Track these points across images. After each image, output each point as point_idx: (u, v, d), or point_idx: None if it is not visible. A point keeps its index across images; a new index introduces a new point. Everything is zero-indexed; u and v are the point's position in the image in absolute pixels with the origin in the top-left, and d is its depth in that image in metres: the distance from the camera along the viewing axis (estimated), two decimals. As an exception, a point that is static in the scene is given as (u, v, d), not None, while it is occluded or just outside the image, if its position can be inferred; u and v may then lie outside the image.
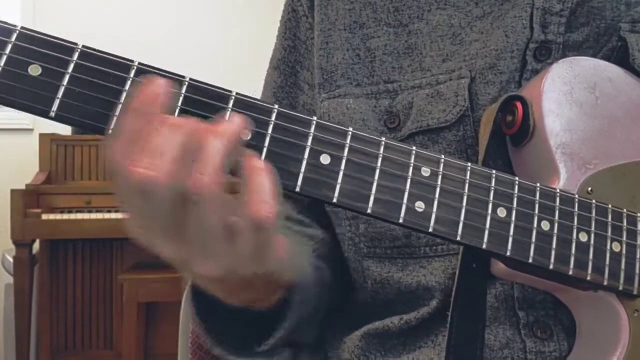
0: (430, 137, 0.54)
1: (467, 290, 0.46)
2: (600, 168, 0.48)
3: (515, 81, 0.53)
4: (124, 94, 0.35)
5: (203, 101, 0.36)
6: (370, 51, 0.58)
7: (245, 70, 2.73)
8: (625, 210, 0.46)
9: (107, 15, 2.80)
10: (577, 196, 0.45)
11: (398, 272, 0.56)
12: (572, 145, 0.48)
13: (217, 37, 2.91)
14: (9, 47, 0.34)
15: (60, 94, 0.34)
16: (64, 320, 2.48)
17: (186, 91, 0.36)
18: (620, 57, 0.52)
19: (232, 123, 0.36)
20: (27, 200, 2.21)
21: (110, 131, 0.34)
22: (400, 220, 0.39)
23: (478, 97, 0.53)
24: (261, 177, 0.36)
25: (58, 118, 0.33)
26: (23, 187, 2.25)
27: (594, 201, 0.45)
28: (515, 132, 0.49)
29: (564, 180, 0.47)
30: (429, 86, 0.55)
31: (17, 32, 0.34)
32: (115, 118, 0.34)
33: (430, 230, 0.40)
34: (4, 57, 0.34)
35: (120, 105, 0.34)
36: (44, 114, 0.33)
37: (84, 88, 0.34)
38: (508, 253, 0.41)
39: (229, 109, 0.36)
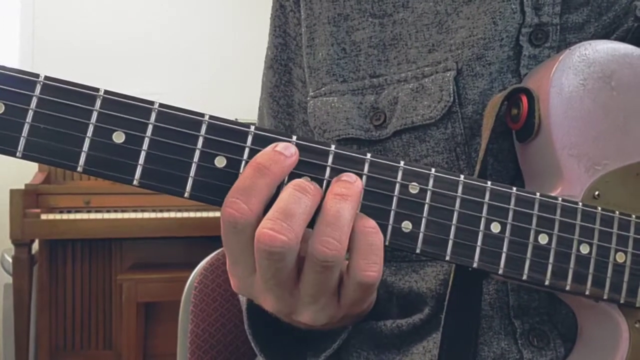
0: (417, 135, 0.52)
1: (461, 295, 0.46)
2: (611, 169, 0.46)
3: (510, 70, 0.51)
4: (91, 128, 0.34)
5: (174, 129, 0.36)
6: (355, 44, 0.57)
7: (243, 71, 2.73)
8: (634, 217, 0.44)
9: (106, 16, 2.81)
10: (580, 205, 0.43)
11: (391, 276, 0.56)
12: (580, 145, 0.45)
13: (216, 37, 2.90)
14: None
15: (25, 132, 0.33)
16: (63, 321, 2.52)
17: (156, 120, 0.35)
18: (637, 38, 0.49)
19: (358, 186, 0.38)
20: (26, 200, 2.25)
21: (80, 168, 0.34)
22: (386, 243, 0.39)
23: (466, 91, 0.51)
24: (372, 238, 0.37)
25: (26, 158, 0.33)
26: (22, 187, 2.28)
27: (599, 209, 0.43)
28: (520, 127, 0.47)
29: (568, 186, 0.45)
30: (415, 80, 0.53)
31: None
32: (84, 154, 0.34)
33: (418, 251, 0.39)
34: None
35: (88, 140, 0.34)
36: (11, 155, 0.32)
37: (49, 124, 0.33)
38: (500, 271, 0.41)
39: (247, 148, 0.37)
